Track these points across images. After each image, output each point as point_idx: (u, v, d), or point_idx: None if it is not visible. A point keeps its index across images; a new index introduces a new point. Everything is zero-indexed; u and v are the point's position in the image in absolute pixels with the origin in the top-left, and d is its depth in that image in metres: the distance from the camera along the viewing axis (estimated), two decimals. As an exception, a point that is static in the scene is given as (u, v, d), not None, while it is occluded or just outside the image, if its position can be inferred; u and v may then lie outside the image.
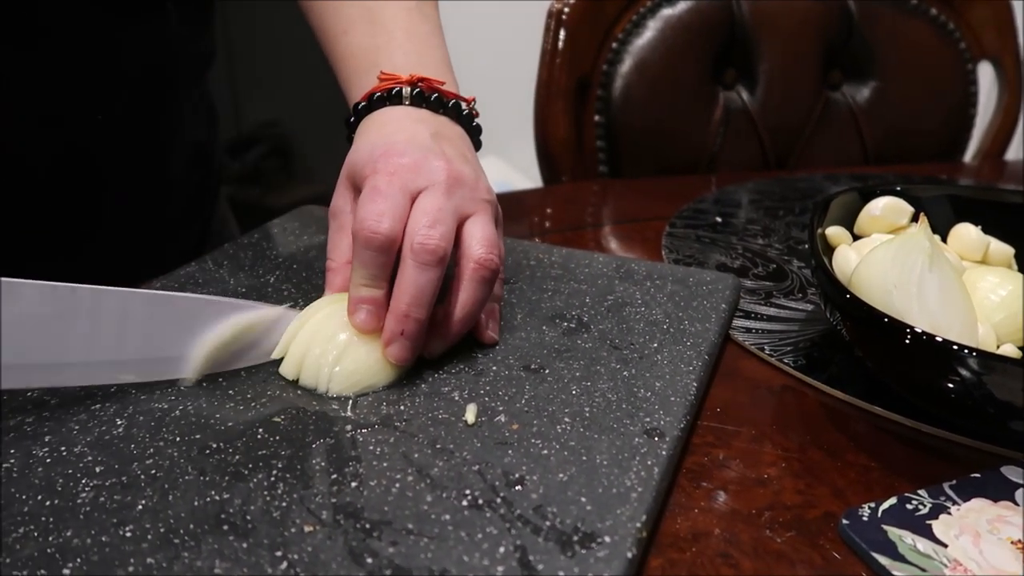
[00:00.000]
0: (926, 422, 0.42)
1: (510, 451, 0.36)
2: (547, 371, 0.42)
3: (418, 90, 0.47)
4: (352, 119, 0.49)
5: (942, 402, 0.40)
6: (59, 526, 0.31)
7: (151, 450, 0.35)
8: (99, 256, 0.57)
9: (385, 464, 0.35)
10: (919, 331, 0.37)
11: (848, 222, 0.53)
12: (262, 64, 1.96)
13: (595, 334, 0.46)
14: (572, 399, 0.40)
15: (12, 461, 0.34)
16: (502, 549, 0.30)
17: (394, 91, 0.47)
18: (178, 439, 0.36)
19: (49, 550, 0.30)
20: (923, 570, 0.32)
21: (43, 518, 0.31)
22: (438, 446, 0.36)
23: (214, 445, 0.36)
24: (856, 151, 1.01)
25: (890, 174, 0.88)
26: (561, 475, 0.34)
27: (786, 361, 0.47)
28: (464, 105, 0.49)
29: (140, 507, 0.32)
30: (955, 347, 0.36)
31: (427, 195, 0.42)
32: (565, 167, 0.90)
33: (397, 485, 0.33)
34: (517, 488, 0.33)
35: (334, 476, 0.34)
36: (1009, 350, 0.43)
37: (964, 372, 0.36)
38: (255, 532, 0.31)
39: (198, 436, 0.36)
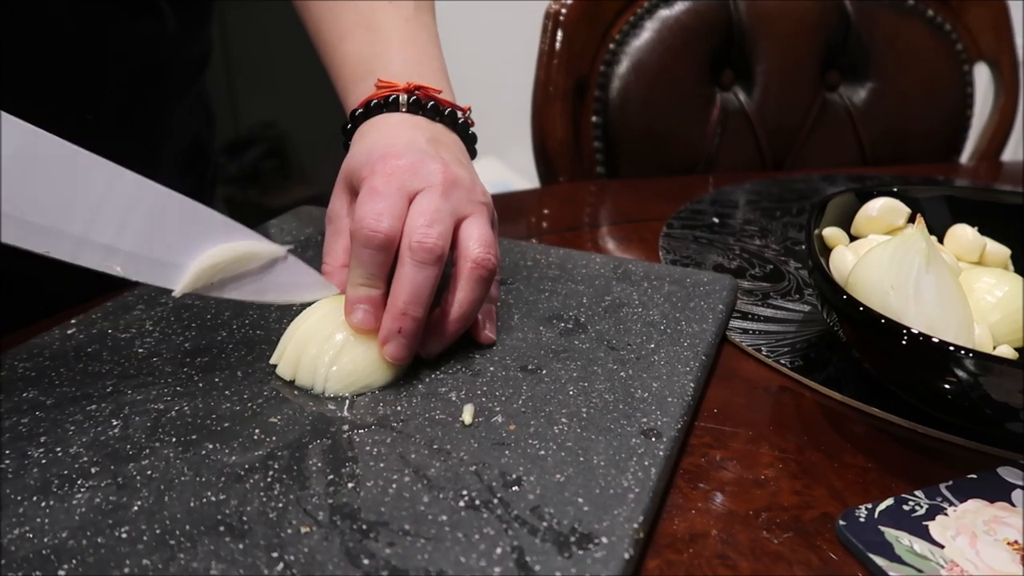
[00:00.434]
0: (923, 423, 0.42)
1: (507, 452, 0.36)
2: (544, 372, 0.42)
3: (415, 98, 0.47)
4: (349, 126, 0.49)
5: (939, 403, 0.40)
6: (54, 527, 0.31)
7: (147, 451, 0.35)
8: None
9: (382, 465, 0.35)
10: (916, 332, 0.37)
11: (845, 223, 0.53)
12: (260, 65, 1.96)
13: (592, 335, 0.46)
14: (569, 400, 0.40)
15: (7, 462, 0.34)
16: (499, 550, 0.30)
17: (391, 98, 0.47)
18: (174, 440, 0.36)
19: (44, 551, 0.30)
20: (920, 571, 0.32)
21: (38, 519, 0.31)
22: (435, 447, 0.36)
23: (210, 446, 0.36)
24: (853, 152, 1.01)
25: (887, 175, 0.89)
26: (558, 476, 0.34)
27: (783, 362, 0.47)
28: (460, 113, 0.49)
29: (136, 508, 0.32)
30: (952, 348, 0.36)
31: (424, 196, 0.42)
32: (563, 168, 0.90)
33: (394, 486, 0.33)
34: (514, 489, 0.33)
35: (331, 477, 0.34)
36: (1006, 351, 0.44)
37: (961, 373, 0.36)
38: (251, 533, 0.31)
39: (194, 437, 0.36)
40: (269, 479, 0.34)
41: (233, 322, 0.46)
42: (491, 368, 0.42)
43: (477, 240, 0.42)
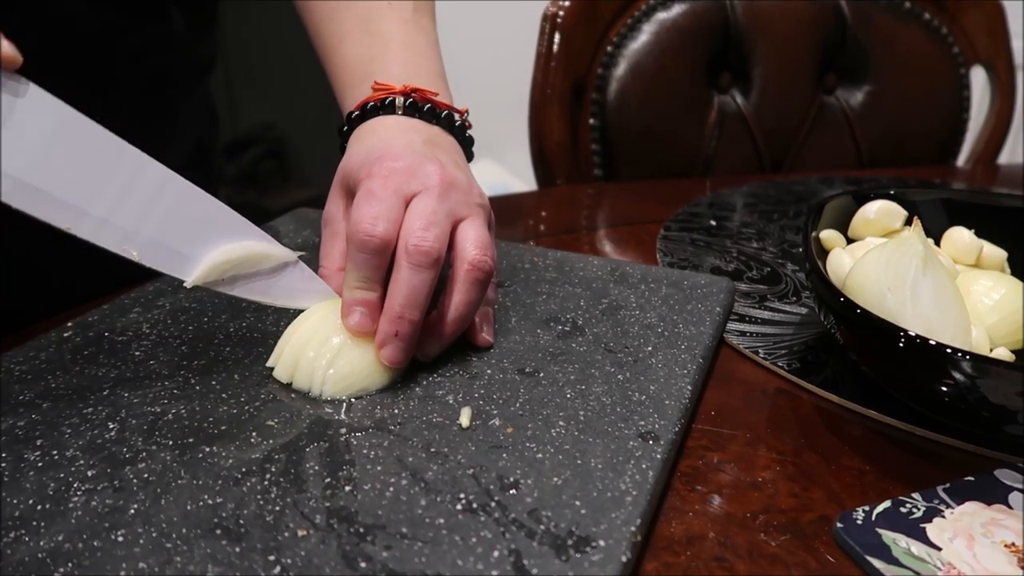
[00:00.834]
0: (920, 425, 0.42)
1: (504, 455, 0.36)
2: (542, 374, 0.42)
3: (411, 100, 0.47)
4: (345, 128, 0.49)
5: (936, 405, 0.40)
6: (50, 530, 0.31)
7: (143, 454, 0.35)
8: (99, 253, 0.57)
9: (379, 468, 0.35)
10: (913, 334, 0.37)
11: (842, 226, 0.54)
12: (258, 66, 1.96)
13: (590, 337, 0.46)
14: (567, 402, 0.40)
15: (3, 465, 0.34)
16: (496, 553, 0.30)
17: (387, 101, 0.47)
18: (171, 443, 0.36)
19: (40, 555, 0.29)
20: (917, 573, 0.32)
21: (34, 522, 0.31)
22: (432, 450, 0.36)
23: (207, 449, 0.36)
24: (850, 155, 1.01)
25: (884, 177, 0.89)
26: (555, 479, 0.34)
27: (780, 364, 0.47)
28: (457, 116, 0.49)
29: (132, 511, 0.32)
30: (949, 350, 0.36)
31: (421, 198, 0.42)
32: (560, 170, 0.90)
33: (391, 489, 0.33)
34: (511, 492, 0.33)
35: (328, 480, 0.34)
36: (1002, 354, 0.44)
37: (958, 375, 0.36)
38: (248, 536, 0.31)
39: (191, 440, 0.36)
40: (266, 482, 0.34)
41: (230, 325, 0.46)
42: (488, 371, 0.42)
43: (474, 242, 0.42)
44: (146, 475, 0.34)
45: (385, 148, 0.44)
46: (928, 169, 0.98)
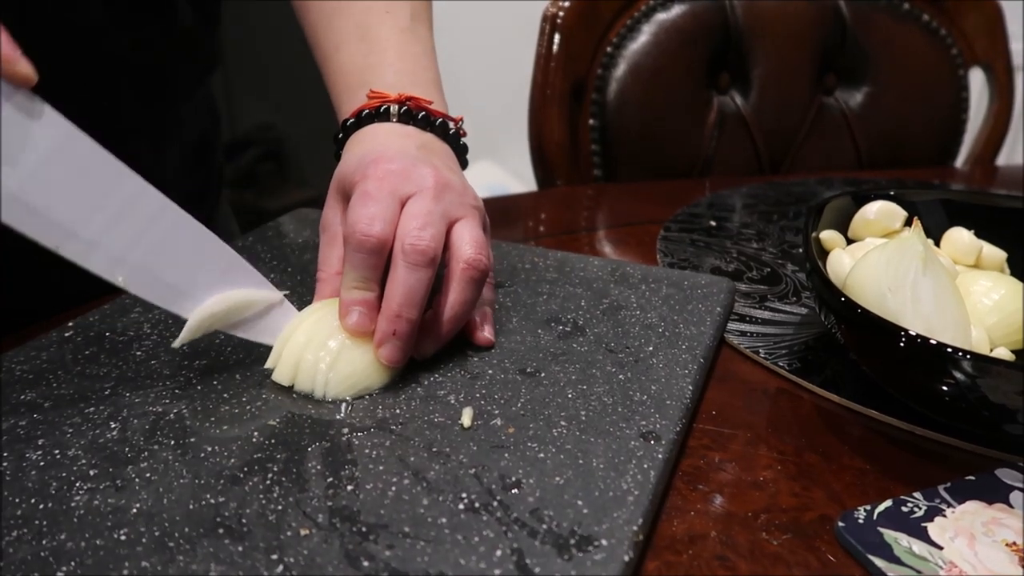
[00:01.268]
0: (921, 425, 0.42)
1: (506, 454, 0.36)
2: (543, 374, 0.42)
3: (406, 108, 0.48)
4: (340, 135, 0.49)
5: (937, 405, 0.40)
6: (53, 529, 0.31)
7: (145, 453, 0.35)
8: None
9: (381, 467, 0.35)
10: (914, 334, 0.37)
11: (842, 226, 0.54)
12: (257, 67, 1.96)
13: (591, 337, 0.46)
14: (568, 402, 0.40)
15: (5, 464, 0.34)
16: (499, 552, 0.30)
17: (382, 108, 0.47)
18: (172, 443, 0.36)
19: (43, 553, 0.29)
20: (918, 572, 0.32)
21: (36, 521, 0.31)
22: (434, 449, 0.36)
23: (209, 448, 0.36)
24: (849, 156, 1.01)
25: (883, 179, 0.89)
26: (557, 478, 0.34)
27: (781, 364, 0.47)
28: (451, 124, 0.49)
29: (135, 510, 0.32)
30: (949, 350, 0.36)
31: (416, 200, 0.42)
32: (560, 171, 0.90)
33: (393, 488, 0.33)
34: (513, 491, 0.33)
35: (330, 479, 0.34)
36: (1003, 353, 0.44)
37: (959, 375, 0.36)
38: (251, 535, 0.31)
39: (192, 440, 0.36)
40: (268, 481, 0.34)
41: (231, 325, 0.46)
42: (490, 371, 0.42)
43: (469, 242, 0.42)
44: (148, 474, 0.34)
45: (379, 152, 0.44)
46: (927, 170, 0.98)
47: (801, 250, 0.64)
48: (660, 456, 0.36)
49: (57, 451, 0.35)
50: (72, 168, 0.35)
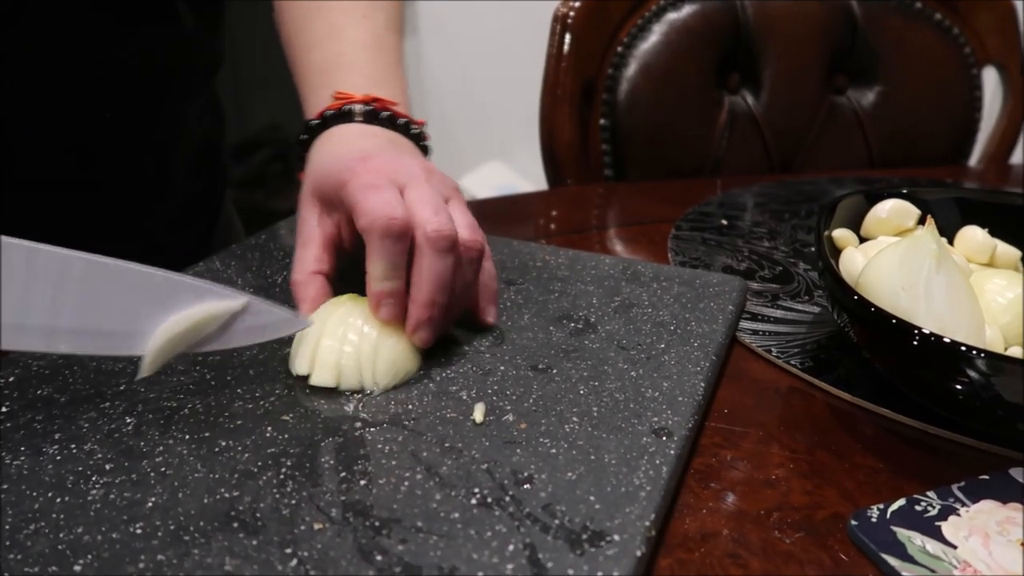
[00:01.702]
0: (934, 424, 0.42)
1: (518, 450, 0.36)
2: (555, 371, 0.42)
3: (371, 108, 0.48)
4: (304, 136, 0.50)
5: (950, 404, 0.40)
6: (69, 523, 0.31)
7: (160, 448, 0.35)
8: (104, 254, 0.58)
9: (394, 462, 0.35)
10: (927, 332, 0.37)
11: (854, 225, 0.53)
12: (266, 68, 1.96)
13: (602, 335, 0.46)
14: (580, 399, 0.40)
15: (22, 458, 0.34)
16: (511, 547, 0.30)
17: (345, 109, 0.48)
18: (187, 437, 0.36)
19: (60, 547, 0.30)
20: (932, 571, 0.31)
21: (53, 515, 0.31)
22: (447, 445, 0.36)
23: (223, 443, 0.36)
24: (861, 155, 1.01)
25: (895, 178, 0.88)
26: (570, 474, 0.34)
27: (793, 363, 0.47)
28: (415, 127, 0.50)
29: (150, 504, 0.32)
30: (963, 348, 0.36)
31: (415, 188, 0.42)
32: (570, 170, 0.90)
33: (406, 483, 0.34)
34: (526, 487, 0.33)
35: (343, 474, 0.34)
36: (1017, 352, 0.43)
37: (972, 373, 0.36)
38: (265, 529, 0.31)
39: (207, 434, 0.36)
40: (282, 476, 0.34)
41: (245, 321, 0.46)
42: (501, 367, 0.42)
43: (464, 225, 0.43)
44: (163, 468, 0.34)
45: (357, 151, 0.45)
46: (940, 169, 0.98)
47: (813, 249, 0.64)
48: (672, 452, 0.36)
49: (73, 445, 0.35)
50: None
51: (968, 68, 1.01)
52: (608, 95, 0.91)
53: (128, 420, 0.37)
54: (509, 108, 1.98)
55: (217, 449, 0.35)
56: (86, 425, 0.37)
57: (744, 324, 0.51)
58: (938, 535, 0.33)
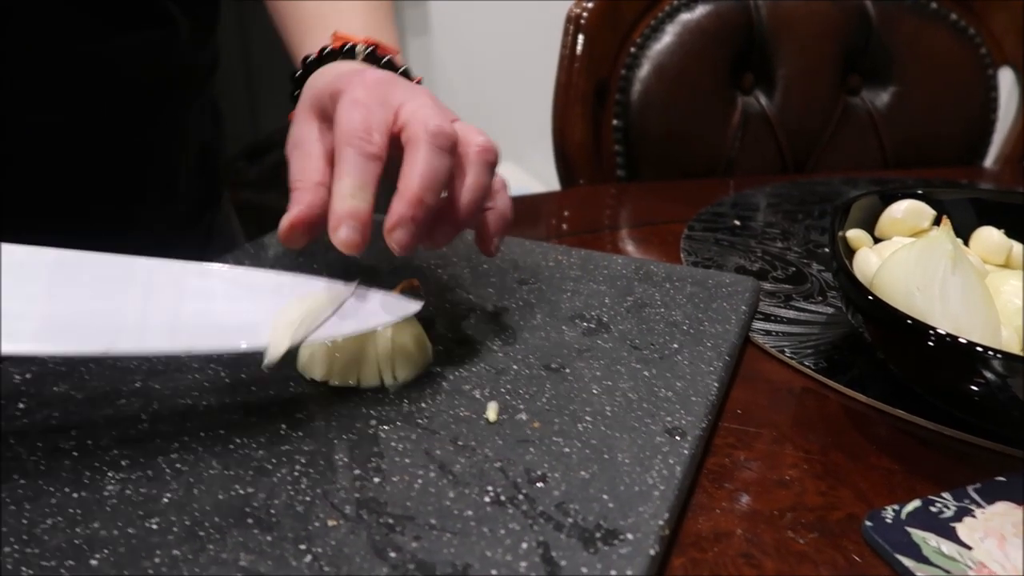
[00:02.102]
0: (949, 425, 0.42)
1: (532, 449, 0.36)
2: (568, 370, 0.42)
3: (372, 50, 0.46)
4: (299, 73, 0.47)
5: (966, 405, 0.40)
6: (86, 518, 0.31)
7: (175, 444, 0.36)
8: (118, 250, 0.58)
9: (407, 460, 0.35)
10: (943, 333, 0.37)
11: (869, 225, 0.53)
12: (279, 70, 1.98)
13: (615, 334, 0.46)
14: (593, 398, 0.40)
15: (39, 454, 0.35)
16: (525, 545, 0.30)
17: (346, 47, 0.46)
18: (202, 434, 0.36)
19: (76, 541, 0.30)
20: (947, 572, 0.31)
21: (70, 510, 0.32)
22: (460, 443, 0.36)
23: (238, 440, 0.36)
24: (875, 156, 1.00)
25: (909, 179, 0.88)
26: (583, 473, 0.34)
27: (807, 363, 0.47)
28: (414, 79, 0.48)
29: (166, 500, 0.32)
30: (979, 349, 0.35)
31: (414, 101, 0.40)
32: (583, 171, 0.90)
33: (419, 481, 0.34)
34: (539, 485, 0.33)
35: (357, 471, 0.34)
36: (1033, 354, 0.43)
37: (988, 374, 0.36)
38: (279, 525, 0.31)
39: (222, 431, 0.37)
40: (296, 472, 0.34)
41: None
42: (515, 366, 0.42)
43: (474, 131, 0.41)
44: (178, 465, 0.34)
45: (358, 71, 0.42)
46: (955, 170, 0.97)
47: (827, 249, 0.64)
48: (686, 452, 0.36)
49: (89, 441, 0.36)
50: (77, 280, 0.35)
51: (984, 69, 1.00)
52: (621, 96, 0.91)
53: (144, 417, 0.37)
54: (521, 109, 1.98)
55: (232, 446, 0.36)
56: (102, 422, 0.37)
57: (757, 324, 0.51)
58: (953, 536, 0.33)
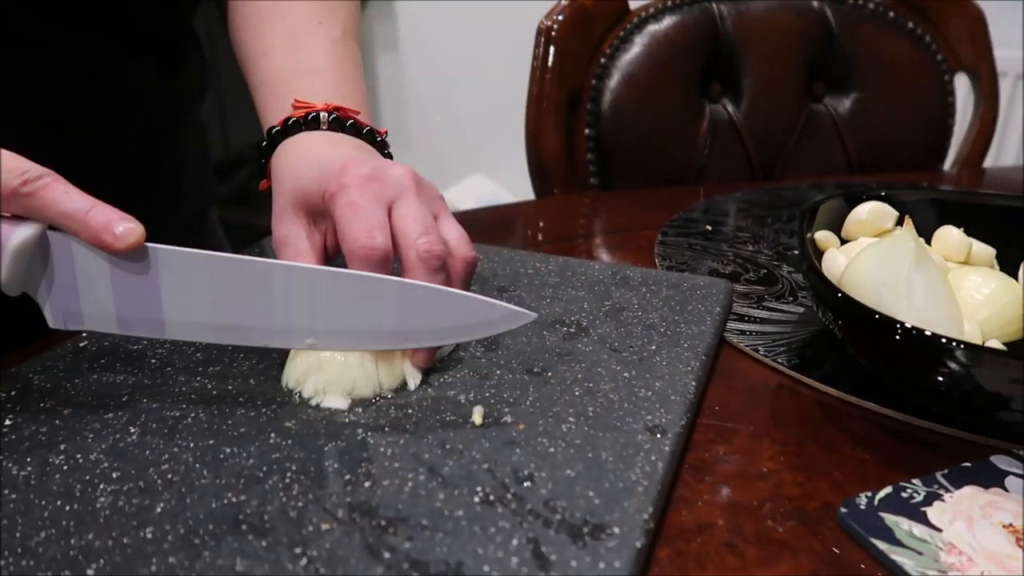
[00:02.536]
0: (918, 416, 0.43)
1: (518, 450, 0.37)
2: (550, 374, 0.43)
3: (335, 116, 0.48)
4: (264, 144, 0.49)
5: (933, 395, 0.41)
6: (80, 529, 0.31)
7: (166, 455, 0.36)
8: None
9: (397, 464, 0.36)
10: (909, 327, 0.38)
11: (835, 227, 0.55)
12: (248, 87, 1.97)
13: (595, 338, 0.47)
14: (575, 400, 0.41)
15: (29, 469, 0.35)
16: (515, 542, 0.31)
17: (311, 116, 0.47)
18: (192, 445, 0.37)
19: (72, 552, 0.30)
20: (920, 553, 0.33)
21: (63, 522, 0.32)
22: (447, 446, 0.37)
23: (228, 450, 0.36)
24: (840, 161, 1.03)
25: (873, 182, 0.91)
26: (568, 471, 0.35)
27: (780, 361, 0.48)
28: (378, 135, 0.50)
29: (159, 510, 0.33)
30: (944, 340, 0.37)
31: (404, 204, 0.42)
32: (557, 180, 0.92)
33: (410, 484, 0.34)
34: (526, 484, 0.34)
35: (347, 477, 0.35)
36: (994, 346, 0.45)
37: (953, 365, 0.38)
38: (273, 531, 0.32)
39: (211, 442, 0.37)
40: (288, 480, 0.34)
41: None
42: (498, 371, 0.43)
43: (455, 238, 0.43)
44: (170, 475, 0.35)
45: (339, 158, 0.44)
46: (916, 174, 1.00)
47: (796, 252, 0.65)
48: (667, 448, 0.37)
49: (79, 455, 0.36)
50: (228, 282, 0.39)
51: (941, 75, 1.03)
52: (592, 105, 0.92)
53: (132, 430, 0.38)
54: (491, 121, 2.00)
55: (222, 456, 0.36)
56: (91, 436, 0.37)
57: (731, 325, 0.52)
58: (924, 520, 0.35)
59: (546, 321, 0.49)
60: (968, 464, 0.38)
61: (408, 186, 0.43)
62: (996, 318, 0.47)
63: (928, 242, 0.54)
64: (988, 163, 1.09)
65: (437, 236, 0.42)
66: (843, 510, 0.35)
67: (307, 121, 0.47)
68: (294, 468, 0.35)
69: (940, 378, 0.39)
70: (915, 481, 0.37)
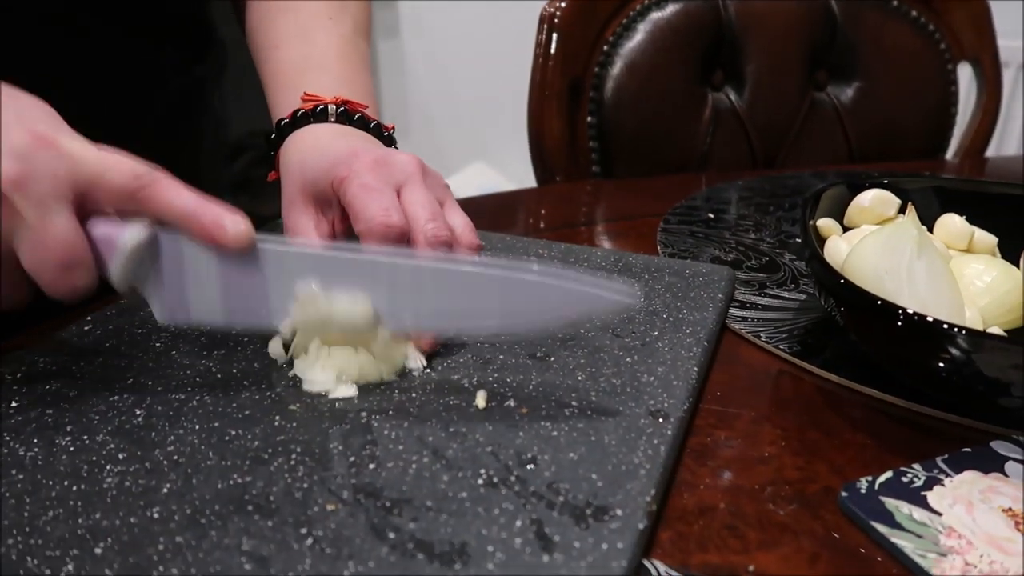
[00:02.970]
0: (919, 402, 0.43)
1: (521, 433, 0.37)
2: (552, 359, 0.43)
3: (343, 109, 0.49)
4: (273, 136, 0.50)
5: (934, 381, 0.42)
6: (88, 509, 0.32)
7: (171, 437, 0.36)
8: None
9: (401, 447, 0.36)
10: (911, 312, 0.38)
11: (838, 214, 0.55)
12: (249, 73, 1.97)
13: (597, 323, 0.47)
14: (578, 384, 0.41)
15: (36, 450, 0.35)
16: (519, 523, 0.31)
17: (319, 109, 0.48)
18: (197, 427, 0.37)
19: (80, 531, 0.31)
20: (919, 536, 0.33)
21: (71, 502, 0.32)
22: (451, 430, 0.37)
23: (233, 432, 0.37)
24: (842, 150, 1.03)
25: (875, 171, 0.90)
26: (571, 454, 0.35)
27: (782, 347, 0.49)
28: (385, 131, 0.50)
29: (165, 490, 0.33)
30: (946, 326, 0.37)
31: (411, 189, 0.43)
32: (559, 168, 0.92)
33: (414, 466, 0.35)
34: (530, 467, 0.35)
35: (352, 459, 0.35)
36: (995, 333, 0.45)
37: (954, 351, 0.38)
38: (279, 511, 0.32)
39: (216, 424, 0.37)
40: (292, 461, 0.35)
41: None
42: (501, 356, 0.44)
43: (461, 226, 0.44)
44: (175, 457, 0.35)
45: (347, 148, 0.45)
46: (918, 163, 1.00)
47: (798, 239, 0.65)
48: (669, 432, 0.37)
49: (86, 437, 0.36)
50: (338, 276, 0.38)
51: (944, 64, 1.03)
52: (595, 93, 0.92)
53: (138, 412, 0.38)
54: (492, 109, 1.99)
55: (227, 438, 0.36)
56: (97, 418, 0.37)
57: (733, 311, 0.53)
58: (924, 504, 0.35)
59: (549, 307, 0.49)
60: (968, 449, 0.39)
61: (415, 172, 0.44)
62: (997, 305, 0.47)
63: (930, 230, 0.54)
64: (990, 152, 1.09)
65: (444, 222, 0.42)
66: (844, 494, 0.36)
67: (315, 113, 0.48)
68: (299, 450, 0.36)
69: (941, 364, 0.39)
70: (915, 466, 0.37)
